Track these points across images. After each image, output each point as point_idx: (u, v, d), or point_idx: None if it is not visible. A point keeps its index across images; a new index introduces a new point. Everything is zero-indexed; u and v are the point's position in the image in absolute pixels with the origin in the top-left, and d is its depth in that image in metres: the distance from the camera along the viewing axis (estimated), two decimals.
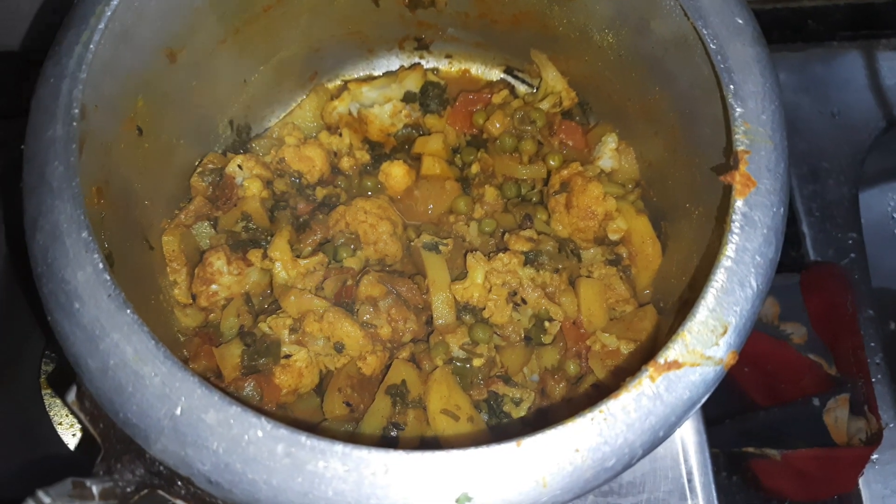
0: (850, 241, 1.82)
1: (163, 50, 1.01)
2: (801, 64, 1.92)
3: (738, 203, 0.73)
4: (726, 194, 0.75)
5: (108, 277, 0.72)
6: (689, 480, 1.21)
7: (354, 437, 1.01)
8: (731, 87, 0.77)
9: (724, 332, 0.70)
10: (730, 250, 0.72)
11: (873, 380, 1.61)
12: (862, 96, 1.91)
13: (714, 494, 1.17)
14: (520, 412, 1.06)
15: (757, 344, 1.65)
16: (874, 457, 1.59)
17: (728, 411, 1.60)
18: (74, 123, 0.78)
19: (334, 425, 1.03)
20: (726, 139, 0.78)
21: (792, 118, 1.86)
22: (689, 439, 1.20)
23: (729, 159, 0.75)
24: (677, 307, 0.97)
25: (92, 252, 0.73)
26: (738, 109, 0.76)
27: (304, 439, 0.67)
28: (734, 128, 0.75)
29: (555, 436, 0.67)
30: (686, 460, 1.20)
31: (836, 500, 1.57)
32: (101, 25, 0.82)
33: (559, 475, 0.67)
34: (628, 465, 0.68)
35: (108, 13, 0.84)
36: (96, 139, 0.89)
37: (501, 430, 1.06)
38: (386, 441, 0.99)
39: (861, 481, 1.57)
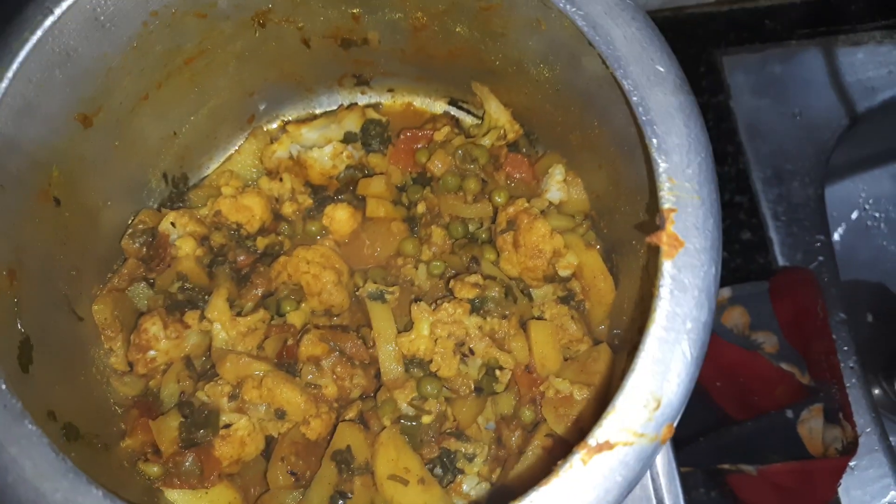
0: (818, 244, 1.80)
1: (75, 116, 0.96)
2: (760, 65, 1.90)
3: (667, 265, 0.69)
4: (653, 254, 0.71)
5: (4, 387, 0.68)
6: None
7: None
8: (654, 140, 0.73)
9: (657, 406, 0.66)
10: (659, 317, 0.68)
11: (847, 385, 1.59)
12: (823, 94, 1.88)
13: None
14: (474, 468, 1.03)
15: (729, 355, 1.63)
16: (852, 463, 1.57)
17: (702, 428, 1.58)
18: None
19: (280, 495, 0.99)
20: (650, 196, 0.74)
21: (753, 121, 1.84)
22: (658, 463, 1.17)
23: (655, 218, 0.71)
24: (627, 352, 0.94)
25: None
26: (661, 164, 0.72)
27: None
28: (659, 184, 0.71)
29: None
30: (657, 488, 1.18)
31: None
32: None
33: None
34: None
35: (1, 91, 0.79)
36: (4, 220, 0.85)
37: (457, 490, 1.02)
38: None
39: (840, 489, 1.56)
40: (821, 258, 1.79)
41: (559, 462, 0.66)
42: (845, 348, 1.70)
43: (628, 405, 0.66)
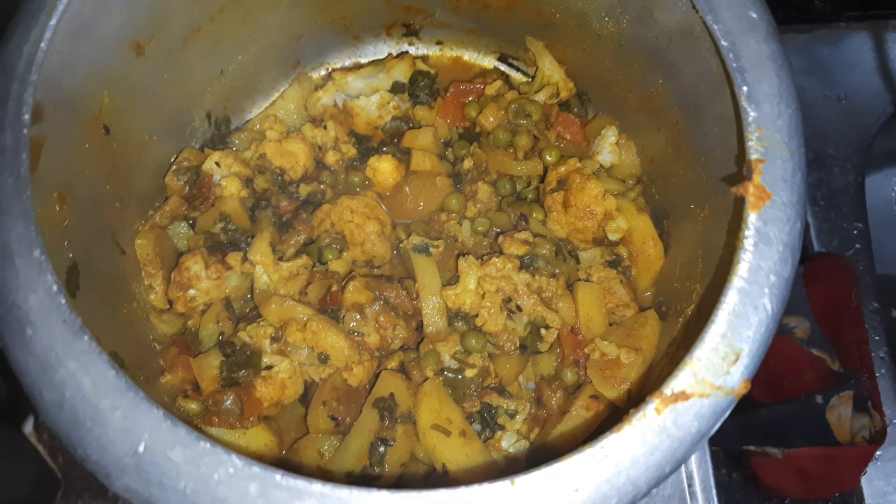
0: (856, 231, 1.76)
1: (129, 42, 0.94)
2: (807, 45, 1.85)
3: (752, 217, 0.66)
4: (738, 205, 0.69)
5: (63, 301, 0.66)
6: (690, 486, 1.17)
7: (340, 455, 0.96)
8: (745, 88, 0.70)
9: (736, 359, 0.64)
10: (742, 269, 0.66)
11: (877, 374, 1.57)
12: (869, 79, 1.84)
13: (714, 498, 1.13)
14: (515, 424, 1.01)
15: None
16: (877, 453, 1.55)
17: None
18: (25, 130, 0.71)
19: (319, 440, 0.98)
20: (738, 146, 0.72)
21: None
22: None
23: (741, 169, 0.68)
24: (685, 322, 0.92)
25: (45, 273, 0.66)
26: (751, 114, 0.69)
27: (279, 478, 0.61)
28: (747, 134, 0.69)
29: (552, 474, 0.61)
30: (686, 463, 1.16)
31: (837, 498, 1.54)
32: (53, 21, 0.75)
33: None
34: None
35: (61, 7, 0.76)
36: (57, 141, 0.83)
37: (496, 446, 1.01)
38: (366, 478, 0.94)
39: (863, 478, 1.54)
40: (857, 246, 1.76)
41: (632, 410, 0.63)
42: (876, 338, 1.67)
43: (706, 356, 0.64)
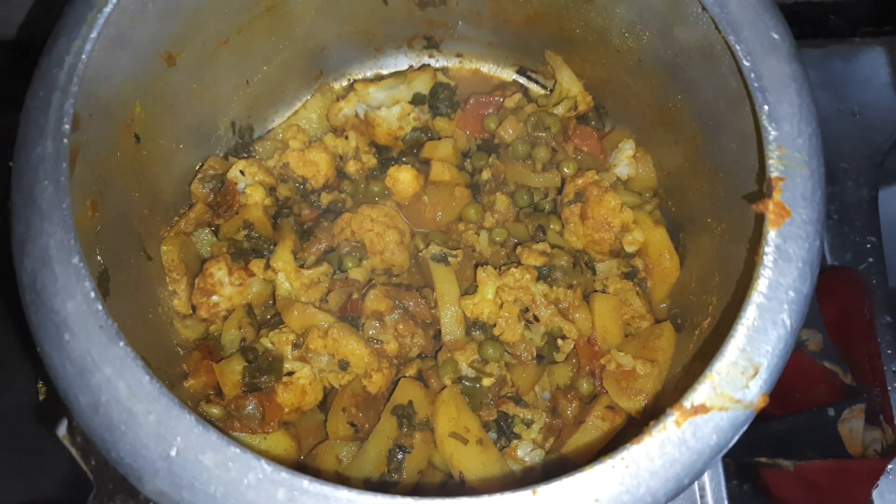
0: (869, 245, 1.77)
1: (162, 53, 0.96)
2: (822, 60, 1.86)
3: (772, 234, 0.68)
4: (758, 222, 0.70)
5: (101, 307, 0.68)
6: (702, 497, 1.17)
7: (358, 461, 0.97)
8: (766, 107, 0.71)
9: (755, 373, 0.65)
10: (762, 285, 0.67)
11: (889, 388, 1.57)
12: (883, 95, 1.84)
13: None
14: (531, 433, 1.02)
15: None
16: (889, 467, 1.55)
17: None
18: (65, 139, 0.73)
19: (337, 447, 1.00)
20: (759, 164, 0.73)
21: None
22: None
23: (762, 186, 0.70)
24: (701, 334, 0.93)
25: (83, 280, 0.68)
26: (772, 132, 0.71)
27: (307, 484, 0.63)
28: (768, 152, 0.70)
29: (573, 484, 0.63)
30: None
31: None
32: (94, 34, 0.77)
33: None
34: None
35: (101, 20, 0.79)
36: (91, 149, 0.85)
37: (512, 455, 1.02)
38: (384, 484, 0.95)
39: (875, 492, 1.54)
40: (870, 260, 1.76)
41: (651, 422, 0.65)
42: (889, 352, 1.67)
43: (725, 370, 0.66)
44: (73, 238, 0.70)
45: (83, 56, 0.76)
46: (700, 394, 0.65)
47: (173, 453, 0.64)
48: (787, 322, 0.66)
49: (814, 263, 0.68)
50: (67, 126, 0.73)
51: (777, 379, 0.68)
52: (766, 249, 0.67)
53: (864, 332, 1.59)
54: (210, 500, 0.63)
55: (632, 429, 0.97)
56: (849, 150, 1.80)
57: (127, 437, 0.65)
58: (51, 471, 0.76)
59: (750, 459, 1.57)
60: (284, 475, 0.63)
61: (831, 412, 1.53)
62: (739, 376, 0.65)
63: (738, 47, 0.74)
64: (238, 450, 0.64)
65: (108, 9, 0.79)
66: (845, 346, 1.62)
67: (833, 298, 1.63)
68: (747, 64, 0.73)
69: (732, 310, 0.69)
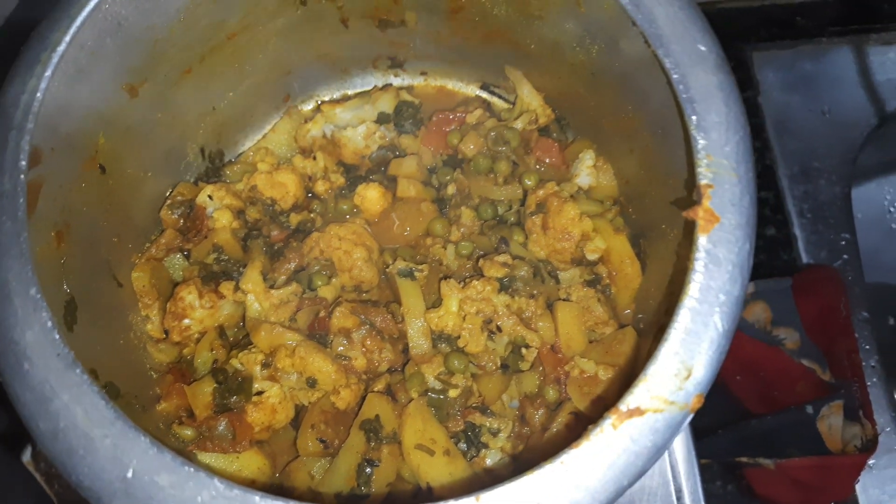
0: (843, 242, 1.79)
1: (122, 85, 0.99)
2: (791, 61, 1.89)
3: (702, 239, 0.70)
4: (689, 228, 0.73)
5: (58, 336, 0.70)
6: (679, 498, 1.19)
7: (329, 476, 0.99)
8: (694, 117, 0.74)
9: (688, 375, 0.68)
10: (693, 290, 0.69)
11: (868, 384, 1.59)
12: (853, 93, 1.87)
13: None
14: (497, 442, 1.04)
15: (750, 350, 1.63)
16: (871, 462, 1.56)
17: (721, 420, 1.58)
18: (21, 176, 0.76)
19: (309, 463, 1.02)
20: (688, 172, 0.76)
21: (782, 117, 1.83)
22: (678, 454, 1.18)
23: (692, 193, 0.72)
24: (653, 334, 0.95)
25: (40, 310, 0.71)
26: (700, 141, 0.73)
27: (259, 500, 0.65)
28: (697, 160, 0.73)
29: (514, 489, 0.65)
30: (675, 477, 1.18)
31: None
32: (48, 73, 0.80)
33: None
34: None
35: (56, 59, 0.82)
36: (55, 181, 0.88)
37: (481, 464, 1.04)
38: (354, 497, 0.97)
39: (858, 487, 1.55)
40: (845, 256, 1.78)
41: (590, 426, 0.67)
42: (867, 347, 1.69)
43: (660, 373, 0.68)
44: (31, 271, 0.73)
45: (38, 94, 0.79)
46: (636, 397, 0.67)
47: (129, 475, 0.66)
48: (719, 324, 0.69)
49: (744, 266, 0.70)
50: (24, 163, 0.76)
51: (712, 379, 0.70)
52: (697, 255, 0.70)
53: (842, 328, 1.60)
54: None
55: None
56: (821, 148, 1.83)
57: (85, 460, 0.67)
58: (17, 496, 0.79)
59: (732, 459, 1.59)
60: (237, 492, 0.66)
61: (810, 410, 1.55)
62: (673, 378, 0.67)
63: (666, 60, 0.77)
64: (192, 469, 0.66)
65: (61, 48, 0.82)
66: (823, 343, 1.63)
67: (810, 296, 1.65)
68: (675, 76, 0.76)
69: (668, 315, 0.71)
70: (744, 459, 1.57)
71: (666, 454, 1.18)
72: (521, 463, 1.04)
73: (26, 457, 0.72)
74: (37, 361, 0.70)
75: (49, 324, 0.71)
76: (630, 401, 0.67)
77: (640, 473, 0.67)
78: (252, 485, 0.87)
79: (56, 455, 0.68)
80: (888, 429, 1.61)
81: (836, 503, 1.57)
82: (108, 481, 0.67)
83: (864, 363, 1.61)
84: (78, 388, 0.69)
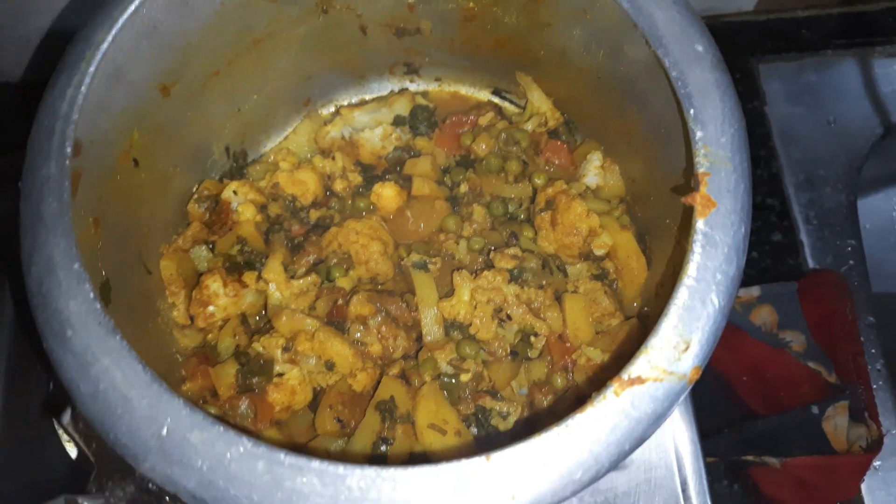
0: (849, 249, 1.81)
1: (156, 86, 1.06)
2: (796, 73, 1.93)
3: (699, 223, 0.75)
4: (688, 214, 0.78)
5: (99, 306, 0.76)
6: (684, 491, 1.22)
7: (346, 454, 1.04)
8: (692, 111, 0.79)
9: (687, 347, 0.72)
10: (691, 269, 0.74)
11: (874, 386, 1.61)
12: (858, 104, 1.90)
13: None
14: (507, 425, 1.09)
15: (756, 352, 1.66)
16: (877, 463, 1.58)
17: (726, 420, 1.60)
18: (67, 161, 0.82)
19: (326, 441, 1.06)
20: (687, 162, 0.80)
21: (787, 127, 1.87)
22: (683, 450, 1.21)
23: (690, 181, 0.77)
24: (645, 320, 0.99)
25: (83, 283, 0.77)
26: (698, 133, 0.78)
27: (283, 456, 0.70)
28: (695, 151, 0.78)
29: (523, 450, 0.70)
30: (681, 471, 1.21)
31: None
32: (92, 69, 0.87)
33: (528, 489, 0.69)
34: (596, 478, 0.71)
35: (98, 57, 0.88)
36: (93, 173, 0.94)
37: (490, 442, 1.08)
38: (376, 458, 1.02)
39: (864, 488, 1.57)
40: (851, 262, 1.81)
41: (594, 393, 0.72)
42: (873, 351, 1.70)
43: (660, 346, 0.72)
44: (75, 247, 0.78)
45: (82, 89, 0.86)
46: (637, 367, 0.72)
47: (164, 433, 0.71)
48: (716, 301, 0.73)
49: (739, 248, 0.75)
50: (69, 150, 0.83)
51: (710, 353, 0.74)
52: (695, 237, 0.75)
53: (848, 332, 1.62)
54: (197, 474, 0.70)
55: None
56: (826, 157, 1.86)
57: (123, 420, 0.72)
58: (57, 455, 0.84)
59: (738, 458, 1.61)
60: (263, 449, 0.71)
61: (815, 410, 1.56)
62: (672, 350, 0.72)
63: (666, 60, 0.82)
64: (222, 427, 0.71)
65: (104, 46, 0.88)
66: (829, 347, 1.65)
67: (815, 300, 1.67)
68: (674, 74, 0.81)
69: (668, 293, 0.76)
70: (750, 458, 1.59)
71: (672, 451, 1.21)
72: None
73: (66, 419, 0.77)
74: (79, 329, 0.75)
75: (91, 295, 0.77)
76: (632, 370, 0.72)
77: (641, 439, 0.71)
78: None
79: (95, 415, 0.73)
80: (894, 431, 1.63)
81: (841, 503, 1.58)
82: (143, 439, 0.72)
83: (869, 366, 1.63)
84: (117, 353, 0.74)
